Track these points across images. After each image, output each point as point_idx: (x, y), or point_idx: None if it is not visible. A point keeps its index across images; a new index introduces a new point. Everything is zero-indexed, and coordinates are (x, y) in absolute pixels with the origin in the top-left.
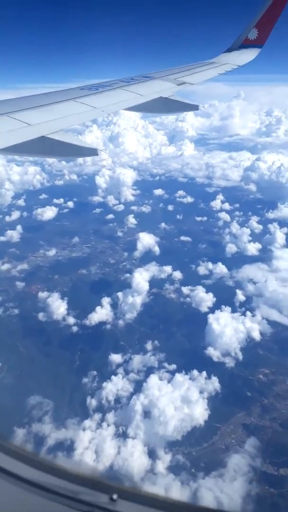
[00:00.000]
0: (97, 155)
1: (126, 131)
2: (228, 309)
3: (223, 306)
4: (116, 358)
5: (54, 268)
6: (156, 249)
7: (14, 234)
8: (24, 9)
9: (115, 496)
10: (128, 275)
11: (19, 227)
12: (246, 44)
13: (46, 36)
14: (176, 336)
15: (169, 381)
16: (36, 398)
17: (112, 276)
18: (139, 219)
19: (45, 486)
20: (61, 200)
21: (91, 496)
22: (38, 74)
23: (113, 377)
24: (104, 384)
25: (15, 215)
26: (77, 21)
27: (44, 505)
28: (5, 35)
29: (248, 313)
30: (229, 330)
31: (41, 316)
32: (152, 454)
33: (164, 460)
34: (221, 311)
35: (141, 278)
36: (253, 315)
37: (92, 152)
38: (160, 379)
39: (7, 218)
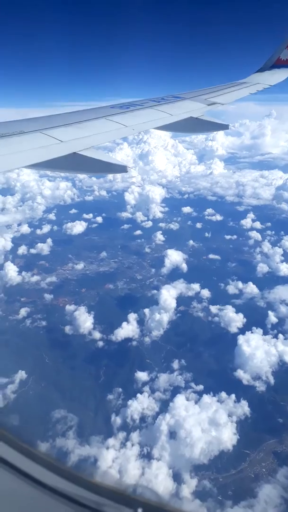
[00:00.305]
0: (127, 172)
1: (156, 150)
2: (260, 330)
3: (254, 328)
4: (142, 376)
5: (82, 282)
6: (184, 266)
7: (44, 247)
8: (60, 28)
9: (139, 510)
10: (155, 291)
11: (49, 240)
12: (278, 65)
13: (80, 55)
14: (203, 356)
15: (196, 402)
16: (61, 412)
17: (138, 292)
18: (167, 236)
19: (69, 496)
20: (90, 215)
21: (115, 509)
22: (71, 92)
23: (138, 395)
24: (129, 402)
25: (46, 228)
26: (113, 40)
27: None
28: (42, 53)
29: (280, 335)
30: (260, 352)
31: (67, 329)
32: (177, 478)
33: (190, 484)
34: (252, 332)
35: (168, 295)
36: (286, 338)
37: (122, 169)
38: (187, 399)
39: (38, 231)
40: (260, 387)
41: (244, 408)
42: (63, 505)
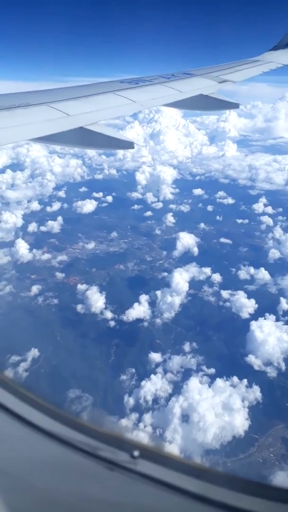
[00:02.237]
0: (133, 148)
1: (167, 129)
2: (272, 317)
3: (266, 314)
4: (155, 357)
5: (92, 261)
6: (195, 250)
7: (55, 225)
8: (72, 3)
9: (136, 453)
10: (165, 274)
11: (59, 218)
12: None
13: (91, 30)
14: (214, 340)
15: (209, 385)
16: (76, 392)
17: (148, 273)
18: (178, 218)
19: (65, 440)
20: (100, 194)
21: (111, 453)
22: (81, 68)
23: (152, 376)
24: (143, 382)
25: (56, 206)
26: (123, 16)
27: (64, 458)
28: (51, 28)
29: None
30: (272, 339)
31: (79, 308)
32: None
33: None
34: (264, 318)
35: (180, 278)
36: None
37: (129, 145)
38: (200, 382)
39: (48, 209)
40: (271, 373)
41: (256, 393)
42: (58, 447)
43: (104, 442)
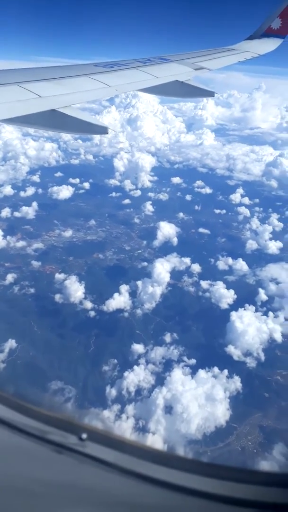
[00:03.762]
0: (107, 133)
1: (144, 115)
2: (252, 308)
3: (246, 305)
4: (138, 348)
5: (69, 250)
6: (175, 240)
7: (29, 211)
8: None
9: (84, 436)
10: (145, 263)
11: (34, 204)
12: (268, 34)
13: (67, 10)
14: (194, 330)
15: (191, 377)
16: (58, 384)
17: (127, 263)
18: (156, 207)
19: (12, 424)
20: (77, 180)
21: (60, 436)
22: (54, 48)
23: (135, 367)
24: (125, 373)
25: (30, 191)
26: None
27: (11, 442)
28: (26, 4)
29: (270, 313)
30: (252, 329)
31: (57, 297)
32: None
33: None
34: (244, 309)
35: (162, 268)
36: (276, 316)
37: (102, 130)
38: (183, 374)
39: (22, 194)
40: (251, 363)
41: (236, 383)
42: (5, 431)
43: (52, 425)
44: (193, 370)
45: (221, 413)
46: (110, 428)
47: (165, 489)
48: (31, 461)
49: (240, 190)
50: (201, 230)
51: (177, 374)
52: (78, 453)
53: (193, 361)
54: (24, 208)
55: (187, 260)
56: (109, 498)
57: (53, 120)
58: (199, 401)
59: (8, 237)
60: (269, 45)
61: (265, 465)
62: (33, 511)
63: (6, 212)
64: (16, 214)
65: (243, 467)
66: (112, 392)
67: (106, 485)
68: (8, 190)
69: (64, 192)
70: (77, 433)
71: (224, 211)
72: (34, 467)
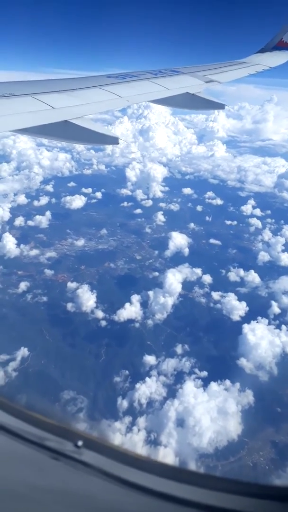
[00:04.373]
0: (118, 144)
1: (156, 126)
2: (265, 320)
3: (259, 317)
4: (149, 359)
5: (81, 258)
6: (186, 250)
7: (43, 220)
8: None
9: (80, 443)
10: (156, 273)
11: (48, 213)
12: (279, 47)
13: (80, 23)
14: (205, 342)
15: (203, 389)
16: (70, 393)
17: (138, 272)
18: (167, 217)
19: (10, 429)
20: (90, 189)
21: (57, 443)
22: (67, 60)
23: (147, 378)
24: (137, 385)
25: (44, 200)
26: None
27: (9, 447)
28: (40, 18)
29: (283, 326)
30: (264, 342)
31: (69, 306)
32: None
33: None
34: (257, 322)
35: (174, 279)
36: None
37: (113, 140)
38: (195, 386)
39: (36, 203)
40: (263, 376)
41: (249, 397)
42: (3, 436)
43: (49, 432)
44: (205, 383)
45: (233, 427)
46: (105, 436)
47: (160, 499)
48: (28, 466)
49: (252, 202)
50: (212, 241)
51: (189, 387)
52: (75, 460)
53: (204, 374)
54: (38, 217)
55: (198, 270)
56: (103, 506)
57: (65, 131)
58: (211, 414)
59: (22, 246)
60: (281, 58)
61: (277, 482)
62: None
63: (20, 221)
64: (30, 223)
65: (241, 480)
66: (123, 403)
67: (101, 492)
68: (22, 199)
69: (77, 201)
70: (73, 440)
71: (235, 222)
72: (31, 472)
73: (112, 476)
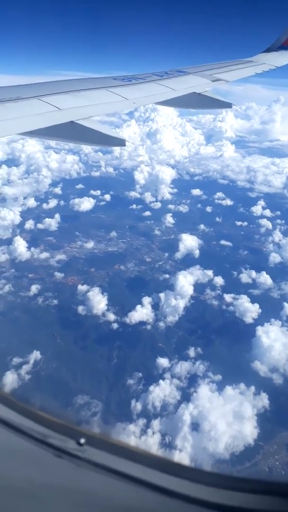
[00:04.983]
0: (125, 145)
1: (164, 128)
2: (278, 322)
3: (272, 319)
4: (162, 362)
5: (90, 261)
6: (196, 252)
7: (52, 223)
8: None
9: (82, 441)
10: (167, 275)
11: (57, 216)
12: (286, 46)
13: (84, 25)
14: (217, 344)
15: (218, 393)
16: (84, 398)
17: (148, 275)
18: (177, 219)
19: (14, 426)
20: (98, 192)
21: (60, 440)
22: (73, 62)
23: (160, 381)
24: (151, 388)
25: (52, 203)
26: (118, 12)
27: (12, 444)
28: (44, 22)
29: None
30: (278, 344)
31: (80, 309)
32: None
33: None
34: (270, 324)
35: (185, 281)
36: None
37: (120, 142)
38: (210, 390)
39: (45, 206)
40: (277, 379)
41: (264, 400)
42: (6, 432)
43: (51, 429)
44: (219, 386)
45: (249, 431)
46: (108, 433)
47: (163, 495)
48: (30, 463)
49: (262, 203)
50: (222, 242)
51: (204, 390)
52: (77, 457)
53: (219, 377)
54: (47, 220)
55: (209, 272)
56: (106, 502)
57: (72, 132)
58: (227, 418)
59: (32, 249)
60: (287, 57)
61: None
62: None
63: (30, 224)
64: (40, 226)
65: (242, 476)
66: (137, 406)
67: (104, 489)
68: (31, 202)
69: (86, 204)
70: (76, 438)
71: (245, 223)
72: (33, 469)
73: (115, 472)
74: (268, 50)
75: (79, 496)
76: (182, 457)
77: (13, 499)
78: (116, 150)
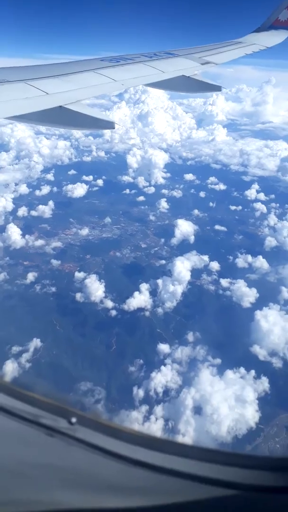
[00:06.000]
0: (114, 128)
1: (155, 111)
2: (277, 306)
3: (271, 303)
4: (163, 347)
5: (86, 248)
6: (192, 237)
7: (46, 210)
8: None
9: (73, 420)
10: (163, 261)
11: (50, 203)
12: (276, 26)
13: (71, 7)
14: (216, 329)
15: (219, 377)
16: (87, 384)
17: (144, 261)
18: (171, 204)
19: (5, 407)
20: (90, 177)
21: (51, 420)
22: (60, 45)
23: (162, 367)
24: (153, 374)
25: (45, 189)
26: None
27: (4, 425)
28: (31, 3)
29: None
30: (277, 329)
31: (78, 296)
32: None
33: None
34: (269, 308)
35: (182, 266)
36: None
37: (109, 125)
38: (211, 374)
39: (37, 192)
40: (277, 363)
41: (264, 384)
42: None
43: (43, 409)
44: (219, 370)
45: (251, 414)
46: (98, 413)
47: (155, 472)
48: (22, 443)
49: (256, 186)
50: (217, 227)
51: (205, 375)
52: (69, 436)
53: (218, 361)
54: (41, 207)
55: (205, 257)
56: (97, 479)
57: (60, 117)
58: (229, 402)
59: (27, 236)
60: (277, 37)
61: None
62: (24, 493)
63: (23, 211)
64: (33, 213)
65: (238, 452)
66: (139, 392)
67: (96, 467)
68: (23, 189)
69: (79, 190)
70: (67, 418)
71: (240, 207)
72: (25, 449)
73: (105, 451)
74: (258, 30)
75: (72, 473)
76: (185, 441)
77: (5, 479)
78: (107, 133)
